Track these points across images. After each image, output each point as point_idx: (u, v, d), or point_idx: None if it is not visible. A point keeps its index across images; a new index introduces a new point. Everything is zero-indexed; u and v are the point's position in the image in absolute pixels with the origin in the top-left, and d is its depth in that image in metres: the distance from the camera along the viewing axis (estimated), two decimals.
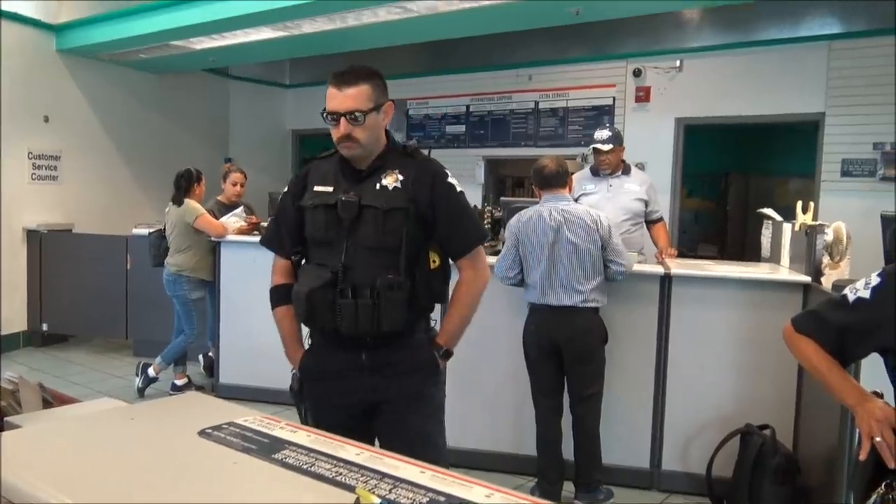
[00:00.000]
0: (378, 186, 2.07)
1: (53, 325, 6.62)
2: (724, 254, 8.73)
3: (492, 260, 3.54)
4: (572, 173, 5.28)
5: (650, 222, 4.48)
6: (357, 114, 2.00)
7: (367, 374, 2.07)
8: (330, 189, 2.08)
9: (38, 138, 6.67)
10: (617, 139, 4.33)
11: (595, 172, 4.44)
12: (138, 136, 7.72)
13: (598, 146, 4.29)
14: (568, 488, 3.49)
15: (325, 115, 2.03)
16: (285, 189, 2.24)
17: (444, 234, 2.12)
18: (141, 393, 5.08)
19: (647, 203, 4.40)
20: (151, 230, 5.41)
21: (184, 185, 5.04)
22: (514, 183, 8.99)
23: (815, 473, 3.19)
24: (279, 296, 2.20)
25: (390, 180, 2.08)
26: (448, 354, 2.22)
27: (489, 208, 4.40)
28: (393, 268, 2.04)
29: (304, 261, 2.17)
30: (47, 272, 6.60)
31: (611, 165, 4.34)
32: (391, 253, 2.04)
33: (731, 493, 3.38)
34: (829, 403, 2.89)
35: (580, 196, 4.38)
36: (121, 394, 4.82)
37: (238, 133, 9.05)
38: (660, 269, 3.69)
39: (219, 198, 5.44)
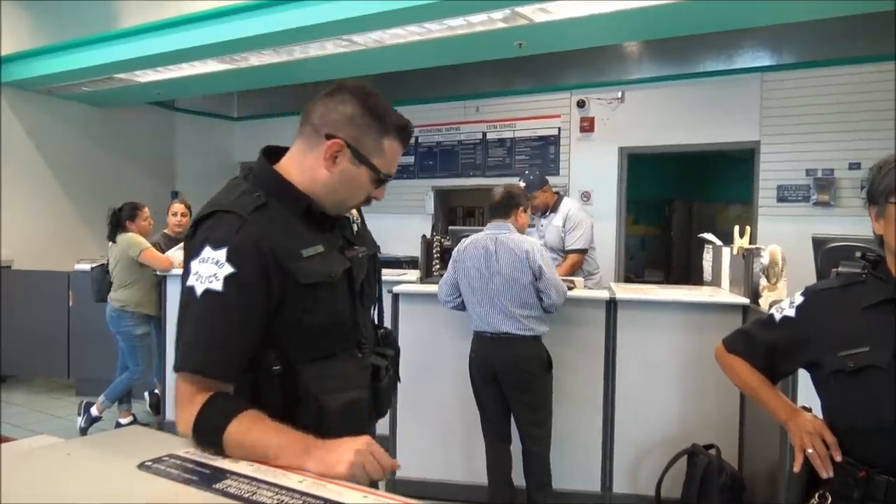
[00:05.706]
0: (356, 227, 1.64)
1: None
2: (670, 278, 8.93)
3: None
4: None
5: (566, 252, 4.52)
6: None
7: None
8: (320, 248, 1.45)
9: None
10: (532, 186, 4.39)
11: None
12: (81, 170, 7.58)
13: None
14: None
15: (382, 176, 1.50)
16: (215, 272, 1.32)
17: None
18: (84, 433, 4.91)
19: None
20: (94, 265, 5.31)
21: (114, 222, 4.98)
22: (465, 213, 9.08)
23: (760, 489, 3.27)
24: (226, 408, 1.31)
25: (353, 213, 1.64)
26: None
27: (438, 237, 4.44)
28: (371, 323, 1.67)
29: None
30: None
31: (538, 209, 4.43)
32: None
33: None
34: (769, 421, 2.94)
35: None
36: (62, 435, 4.60)
37: (185, 166, 8.95)
38: (605, 295, 3.76)
39: (164, 231, 5.37)
